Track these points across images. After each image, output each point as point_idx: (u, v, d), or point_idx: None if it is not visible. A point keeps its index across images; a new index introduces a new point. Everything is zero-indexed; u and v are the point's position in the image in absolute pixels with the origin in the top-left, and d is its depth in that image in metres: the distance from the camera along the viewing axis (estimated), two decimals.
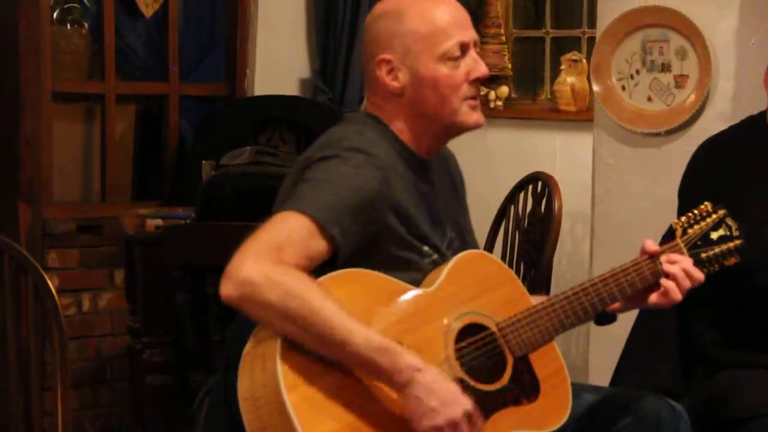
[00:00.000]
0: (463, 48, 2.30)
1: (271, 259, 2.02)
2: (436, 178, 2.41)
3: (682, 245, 2.40)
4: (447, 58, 2.28)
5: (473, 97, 2.31)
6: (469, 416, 2.07)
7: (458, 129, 2.34)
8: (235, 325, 2.31)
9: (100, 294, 4.97)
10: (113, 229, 4.77)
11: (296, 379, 2.00)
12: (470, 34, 2.32)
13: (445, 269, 2.27)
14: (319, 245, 2.09)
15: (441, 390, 2.05)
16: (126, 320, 4.55)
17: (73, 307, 4.89)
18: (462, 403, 2.07)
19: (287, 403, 1.96)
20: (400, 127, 2.32)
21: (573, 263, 4.99)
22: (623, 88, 3.77)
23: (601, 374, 3.57)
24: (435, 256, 2.31)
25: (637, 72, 3.74)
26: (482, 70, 2.32)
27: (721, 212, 2.43)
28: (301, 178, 2.20)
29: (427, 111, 2.30)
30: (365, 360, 2.02)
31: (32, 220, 4.73)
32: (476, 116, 2.33)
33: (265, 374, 2.01)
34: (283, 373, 1.98)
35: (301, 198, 2.13)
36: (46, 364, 3.15)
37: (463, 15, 2.34)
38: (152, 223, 4.12)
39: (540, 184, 4.31)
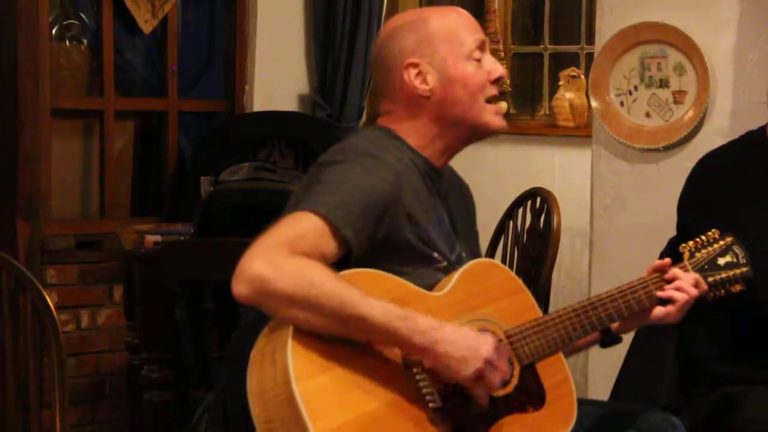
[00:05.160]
0: (482, 47, 2.36)
1: (281, 253, 2.02)
2: (450, 197, 2.43)
3: (689, 266, 2.41)
4: (471, 57, 2.33)
5: (496, 99, 2.36)
6: (497, 347, 2.11)
7: (483, 131, 2.37)
8: (234, 342, 2.31)
9: (98, 310, 4.97)
10: (112, 246, 4.77)
11: (306, 371, 1.99)
12: (482, 33, 2.39)
13: (456, 275, 2.28)
14: (331, 246, 2.09)
15: (464, 337, 2.08)
16: (125, 336, 4.55)
17: (71, 324, 4.89)
18: (486, 340, 2.10)
19: (296, 394, 1.95)
20: (417, 133, 2.34)
21: (572, 278, 4.99)
22: (621, 103, 3.77)
23: (601, 389, 3.57)
24: (444, 264, 2.31)
25: (636, 88, 3.75)
26: (501, 69, 2.38)
27: (729, 239, 2.45)
28: (312, 182, 2.20)
29: (455, 112, 2.33)
30: (384, 330, 2.03)
31: (31, 237, 4.73)
32: (501, 121, 2.38)
33: (275, 367, 2.00)
34: (293, 365, 1.98)
35: (313, 199, 2.13)
36: (44, 380, 3.14)
37: (473, 18, 2.41)
38: (151, 239, 4.11)
39: (539, 199, 4.31)
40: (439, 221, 2.34)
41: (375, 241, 2.16)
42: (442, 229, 2.34)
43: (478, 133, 2.38)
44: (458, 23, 2.35)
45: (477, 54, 2.34)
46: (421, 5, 5.76)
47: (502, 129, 2.39)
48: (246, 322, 2.24)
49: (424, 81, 2.32)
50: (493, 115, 2.35)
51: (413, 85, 2.32)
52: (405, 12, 2.46)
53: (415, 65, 2.31)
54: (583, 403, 2.42)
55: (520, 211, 4.39)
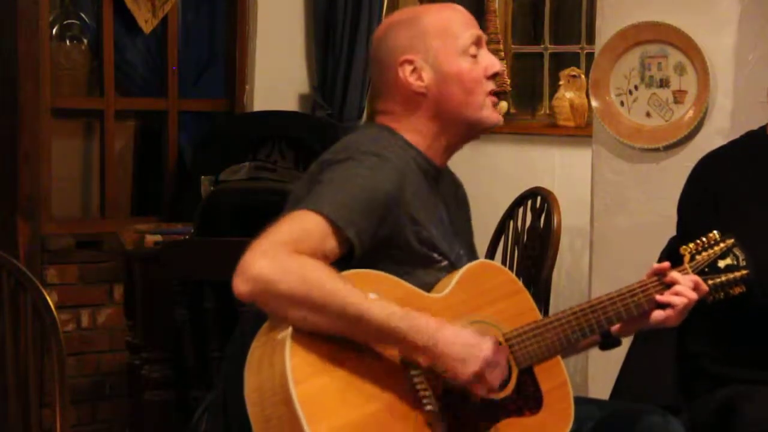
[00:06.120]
0: (478, 43, 2.35)
1: (283, 253, 2.02)
2: (447, 194, 2.43)
3: (689, 270, 2.40)
4: (466, 53, 2.33)
5: (492, 93, 2.36)
6: (496, 348, 2.11)
7: (481, 126, 2.37)
8: (233, 341, 2.31)
9: (99, 310, 4.97)
10: (112, 245, 4.78)
11: (304, 373, 1.99)
12: (477, 28, 2.38)
13: (456, 276, 2.28)
14: (333, 245, 2.09)
15: (463, 339, 2.08)
16: (125, 336, 4.55)
17: (72, 323, 4.89)
18: (486, 341, 2.10)
19: (293, 396, 1.95)
20: (417, 131, 2.33)
21: (572, 278, 4.99)
22: (622, 103, 3.77)
23: (601, 389, 3.56)
24: (444, 263, 2.31)
25: (636, 87, 3.75)
26: (498, 65, 2.37)
27: (729, 241, 2.45)
28: (315, 181, 2.20)
29: (452, 108, 2.33)
30: (385, 329, 2.03)
31: (31, 236, 4.73)
32: (498, 115, 2.38)
33: (273, 368, 2.00)
34: (291, 366, 1.98)
35: (316, 198, 2.13)
36: (44, 380, 3.14)
37: (469, 14, 2.40)
38: (151, 238, 4.12)
39: (539, 199, 4.31)
40: (439, 220, 2.34)
41: (377, 241, 2.16)
42: (442, 228, 2.34)
43: (476, 129, 2.38)
44: (453, 19, 2.35)
45: (473, 50, 2.33)
46: (421, 4, 5.76)
47: (498, 123, 2.39)
48: (246, 321, 2.24)
49: (420, 78, 2.31)
50: (491, 108, 2.35)
51: (408, 82, 2.32)
52: (400, 10, 2.46)
53: (410, 62, 2.31)
54: (582, 403, 2.42)
55: (520, 211, 4.39)
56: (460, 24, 2.35)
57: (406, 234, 2.22)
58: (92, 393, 4.96)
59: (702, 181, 2.95)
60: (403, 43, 2.32)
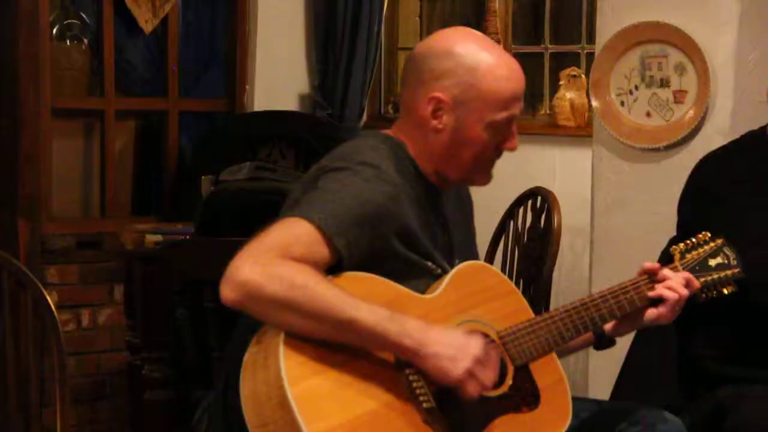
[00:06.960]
0: (510, 122, 2.34)
1: (269, 258, 2.02)
2: (448, 206, 2.44)
3: (680, 267, 2.41)
4: (493, 127, 2.31)
5: (493, 161, 2.38)
6: (486, 346, 2.13)
7: (469, 184, 2.46)
8: (233, 341, 2.31)
9: (99, 309, 4.98)
10: (113, 245, 4.78)
11: (298, 374, 1.99)
12: (520, 107, 2.36)
13: (447, 277, 2.29)
14: (322, 253, 2.09)
15: (452, 338, 2.10)
16: (125, 336, 4.55)
17: (72, 323, 4.89)
18: (475, 339, 2.12)
19: (289, 397, 1.96)
20: (422, 154, 2.33)
21: (572, 278, 4.98)
22: (622, 103, 3.77)
23: (601, 389, 3.57)
24: (439, 271, 2.32)
25: (636, 87, 3.75)
26: (514, 145, 2.39)
27: (719, 241, 2.45)
28: (310, 187, 2.20)
29: (452, 161, 2.33)
30: (374, 332, 2.03)
31: (31, 236, 4.73)
32: (489, 178, 2.40)
33: (268, 371, 2.01)
34: (285, 368, 1.98)
35: (308, 206, 2.13)
36: (45, 380, 3.15)
37: (523, 88, 2.37)
38: (152, 238, 4.12)
39: (539, 199, 4.31)
40: (437, 229, 2.35)
41: (368, 252, 2.16)
42: (436, 244, 2.34)
43: (466, 183, 2.46)
44: (506, 89, 2.30)
45: (502, 127, 2.32)
46: (421, 4, 5.76)
47: (486, 184, 2.41)
48: (245, 321, 2.24)
49: (439, 118, 2.29)
50: (485, 174, 2.39)
51: (427, 116, 2.30)
52: (469, 34, 2.36)
53: (438, 101, 2.28)
54: (581, 401, 2.43)
55: (521, 210, 4.39)
56: (509, 98, 2.31)
57: (399, 246, 2.22)
58: (92, 393, 4.96)
59: (702, 181, 2.95)
60: (445, 77, 2.28)
